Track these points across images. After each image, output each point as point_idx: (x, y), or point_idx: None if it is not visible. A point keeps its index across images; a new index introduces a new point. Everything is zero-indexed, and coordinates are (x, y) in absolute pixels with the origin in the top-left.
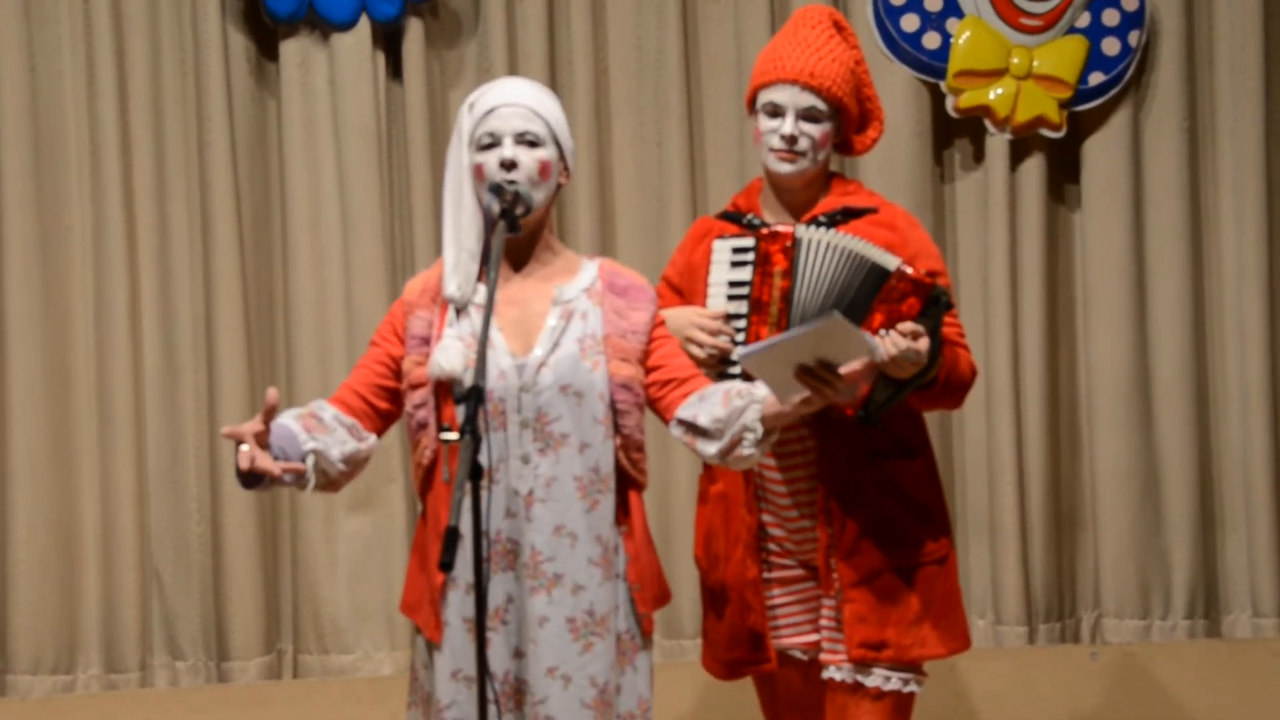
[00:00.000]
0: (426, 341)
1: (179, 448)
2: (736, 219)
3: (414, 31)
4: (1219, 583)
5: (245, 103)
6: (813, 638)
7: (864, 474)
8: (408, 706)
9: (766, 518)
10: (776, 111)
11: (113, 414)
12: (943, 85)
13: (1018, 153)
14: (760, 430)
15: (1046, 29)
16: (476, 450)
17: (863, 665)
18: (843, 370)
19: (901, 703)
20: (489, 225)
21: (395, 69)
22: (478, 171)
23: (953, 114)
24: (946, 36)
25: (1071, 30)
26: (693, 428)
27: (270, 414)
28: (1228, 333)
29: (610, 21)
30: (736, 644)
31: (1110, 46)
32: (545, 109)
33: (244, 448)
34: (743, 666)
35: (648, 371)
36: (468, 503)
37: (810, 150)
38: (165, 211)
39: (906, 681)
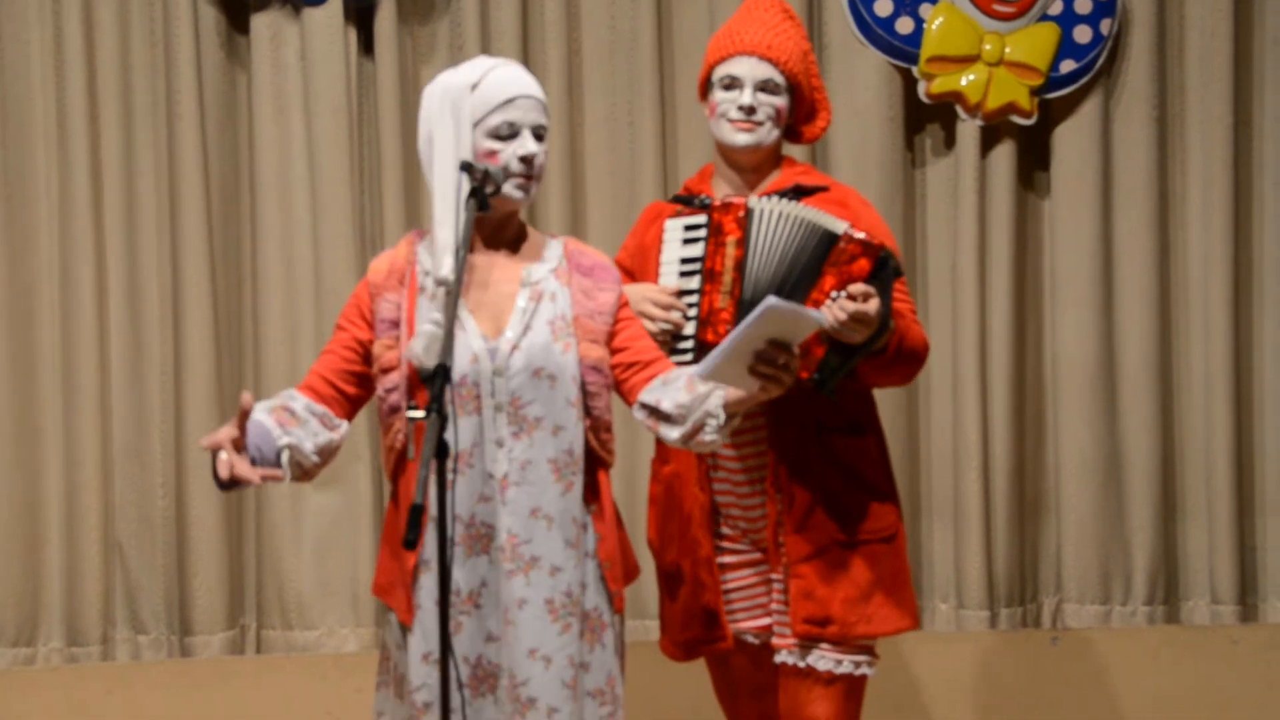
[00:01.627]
0: (395, 324)
1: (144, 422)
2: (688, 201)
3: (386, 7)
4: (1179, 569)
5: (215, 76)
6: (764, 621)
7: (813, 449)
8: (377, 686)
9: (719, 497)
10: (734, 84)
11: (78, 387)
12: (915, 70)
13: (988, 139)
14: (723, 416)
15: (1019, 16)
16: (443, 429)
17: (807, 642)
18: (784, 355)
19: (853, 686)
20: (458, 202)
21: (367, 45)
22: (490, 158)
23: (924, 99)
24: (919, 22)
25: (1044, 18)
26: (656, 412)
27: (244, 418)
28: (1192, 322)
29: (583, 0)
30: (691, 623)
31: (1082, 34)
32: (546, 104)
33: (223, 456)
34: (699, 645)
35: (612, 353)
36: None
37: (768, 121)
38: (133, 185)
39: (858, 665)
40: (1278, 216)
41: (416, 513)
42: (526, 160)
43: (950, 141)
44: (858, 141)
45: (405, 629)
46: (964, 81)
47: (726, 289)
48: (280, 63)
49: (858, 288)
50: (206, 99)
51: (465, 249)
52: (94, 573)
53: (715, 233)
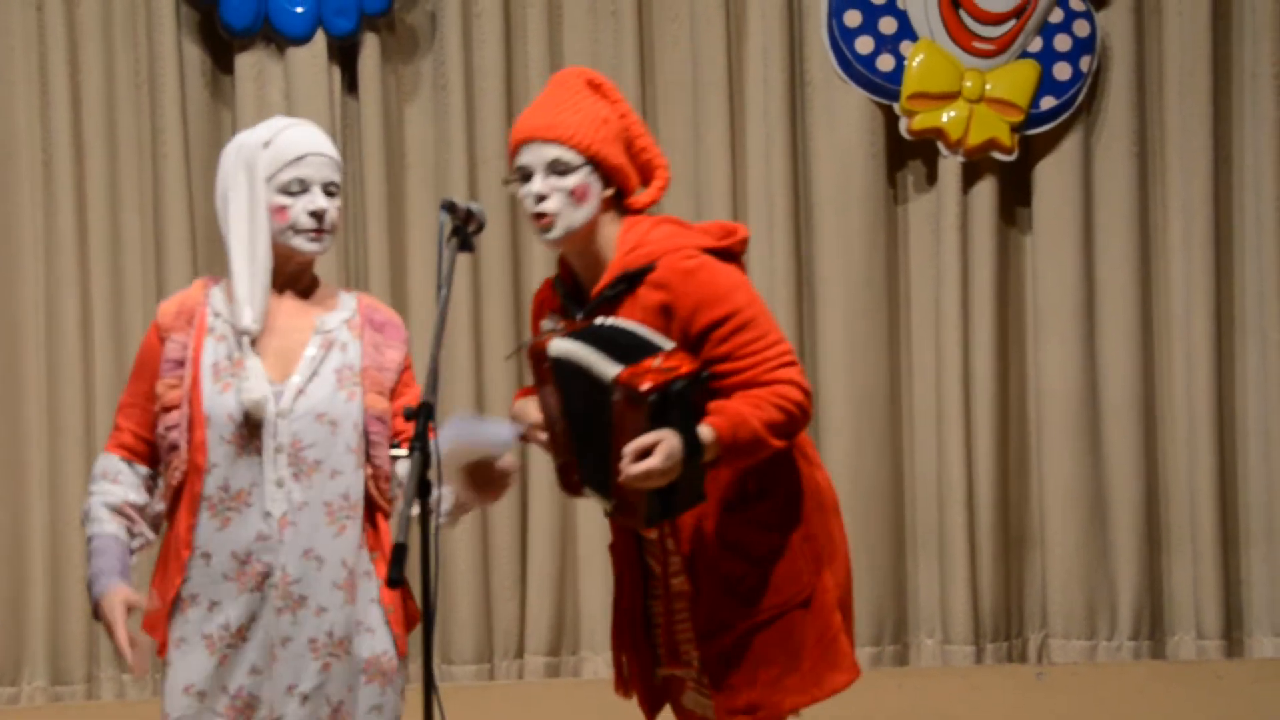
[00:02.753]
0: (180, 364)
1: None
2: (560, 286)
3: (370, 47)
4: (1164, 604)
5: (199, 115)
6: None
7: (708, 538)
8: None
9: (653, 562)
10: (527, 175)
11: (62, 425)
12: (896, 107)
13: (970, 175)
14: (449, 501)
15: (999, 53)
16: (426, 466)
17: None
18: (499, 466)
19: None
20: (441, 241)
21: (351, 84)
22: (280, 213)
23: (906, 136)
24: (900, 59)
25: (1024, 55)
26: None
27: (133, 606)
28: (1175, 356)
29: (566, 40)
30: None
31: (1062, 71)
32: (339, 162)
33: (141, 644)
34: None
35: None
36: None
37: (566, 208)
38: (118, 223)
39: None
40: (1258, 250)
41: (400, 550)
42: (317, 215)
43: (932, 178)
44: (840, 178)
45: (163, 662)
46: (945, 118)
47: (561, 440)
48: (264, 101)
49: (635, 445)
50: (191, 138)
51: (449, 288)
52: (78, 612)
53: (537, 379)
